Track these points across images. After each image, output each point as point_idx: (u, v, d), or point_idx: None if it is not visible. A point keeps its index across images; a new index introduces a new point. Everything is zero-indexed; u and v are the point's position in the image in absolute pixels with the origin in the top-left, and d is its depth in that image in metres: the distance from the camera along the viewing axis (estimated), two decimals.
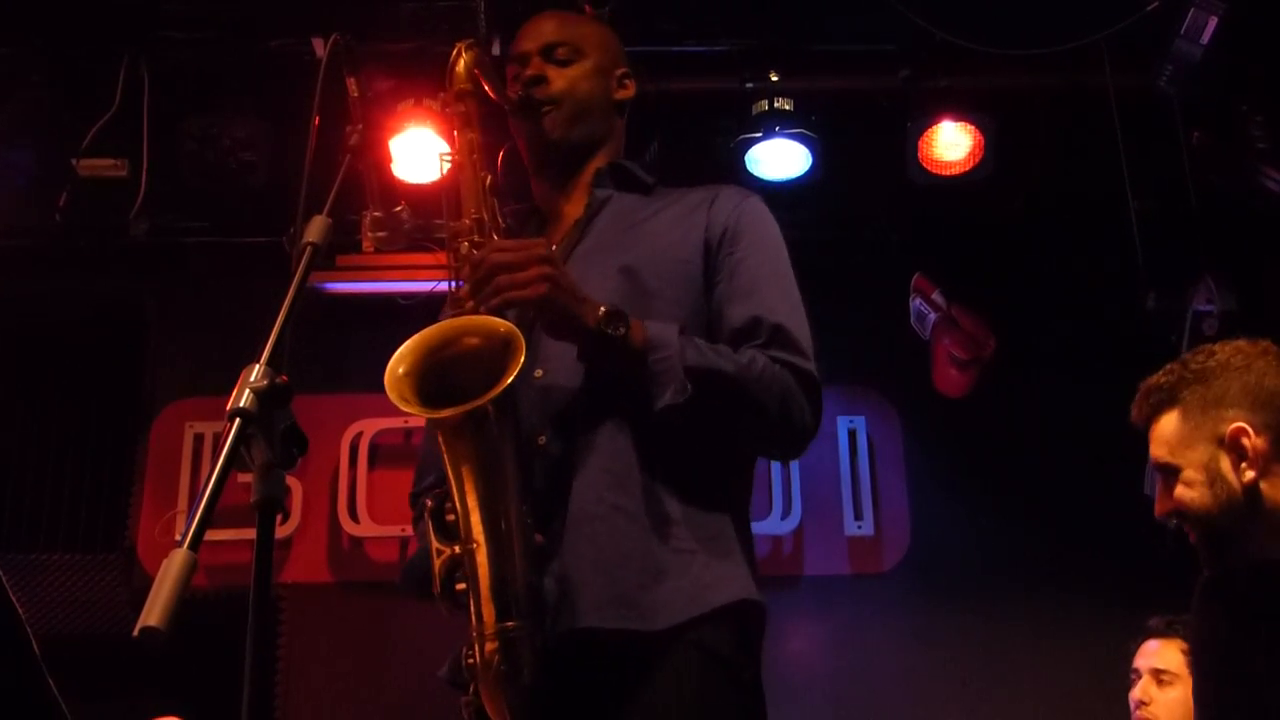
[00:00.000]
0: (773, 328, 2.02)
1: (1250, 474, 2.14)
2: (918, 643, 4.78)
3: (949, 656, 4.73)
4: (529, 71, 2.22)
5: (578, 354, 1.94)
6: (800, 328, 2.06)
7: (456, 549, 1.82)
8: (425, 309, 1.94)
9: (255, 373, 1.48)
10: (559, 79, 2.22)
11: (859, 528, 4.92)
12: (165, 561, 1.31)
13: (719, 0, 4.31)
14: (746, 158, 4.37)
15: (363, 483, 4.86)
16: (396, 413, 4.80)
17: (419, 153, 4.16)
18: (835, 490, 4.96)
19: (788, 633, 4.75)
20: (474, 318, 1.89)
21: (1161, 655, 3.49)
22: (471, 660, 1.81)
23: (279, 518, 1.50)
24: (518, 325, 1.99)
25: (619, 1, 3.80)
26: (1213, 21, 3.76)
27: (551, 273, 1.88)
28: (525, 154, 2.28)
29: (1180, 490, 2.21)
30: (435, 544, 1.84)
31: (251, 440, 1.46)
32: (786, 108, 4.32)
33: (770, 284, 2.08)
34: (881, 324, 4.86)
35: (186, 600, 1.30)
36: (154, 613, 1.27)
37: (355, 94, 2.16)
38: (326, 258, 2.92)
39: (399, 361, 1.85)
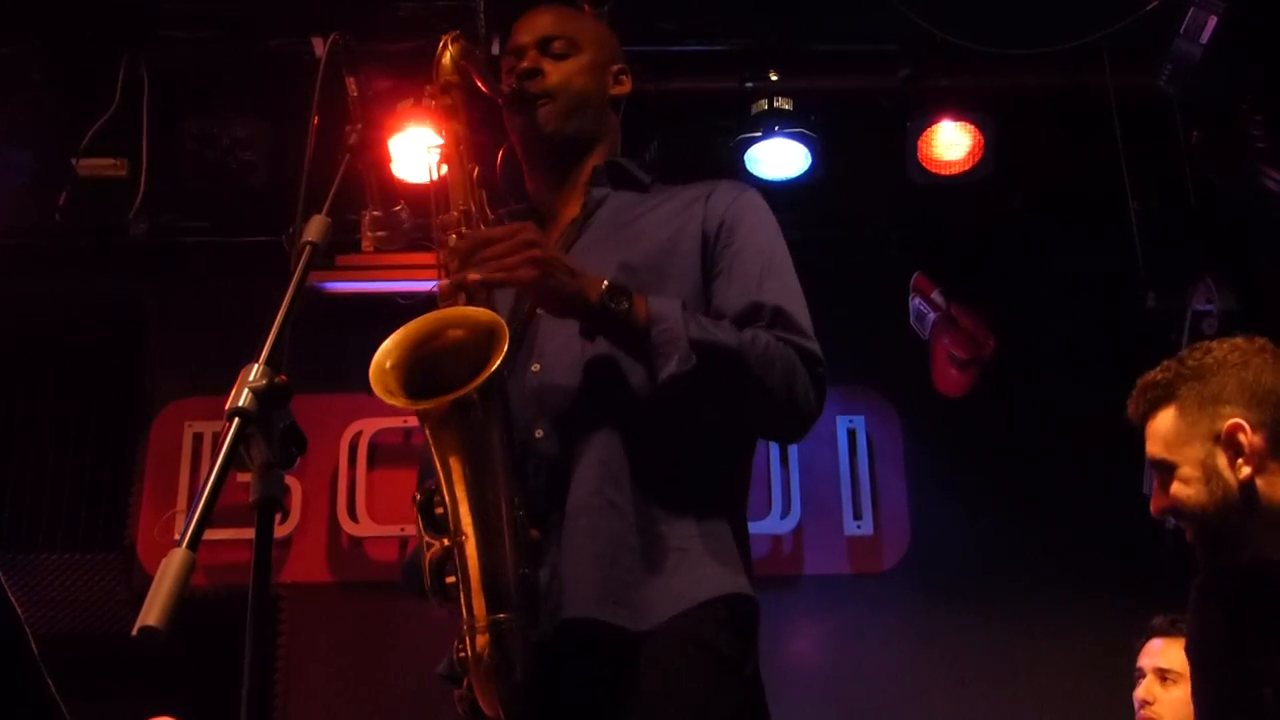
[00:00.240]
0: (773, 310, 2.01)
1: (1246, 470, 2.14)
2: (917, 642, 4.78)
3: (948, 656, 4.73)
4: (524, 64, 2.21)
5: (580, 330, 1.93)
6: (800, 310, 2.05)
7: (446, 542, 1.82)
8: (425, 309, 1.93)
9: (254, 372, 1.48)
10: (554, 72, 2.20)
11: (858, 527, 4.93)
12: (164, 561, 1.31)
13: (718, 0, 4.31)
14: (746, 157, 4.37)
15: (362, 482, 4.86)
16: (396, 412, 4.83)
17: (418, 152, 4.16)
18: (835, 490, 4.96)
19: (787, 632, 4.75)
20: (457, 310, 1.88)
21: (1166, 654, 3.48)
22: (463, 653, 1.81)
23: (278, 517, 1.50)
24: (515, 317, 1.98)
25: (618, 1, 3.79)
26: (1212, 21, 3.76)
27: (539, 255, 1.87)
28: (519, 148, 2.27)
29: (1176, 487, 2.20)
30: (425, 537, 1.84)
31: (250, 440, 1.46)
32: (786, 107, 4.32)
33: (769, 272, 2.07)
34: (881, 323, 4.85)
35: (185, 600, 1.30)
36: (153, 612, 1.26)
37: (354, 93, 2.17)
38: (326, 257, 2.92)
39: (384, 355, 1.84)
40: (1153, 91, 4.05)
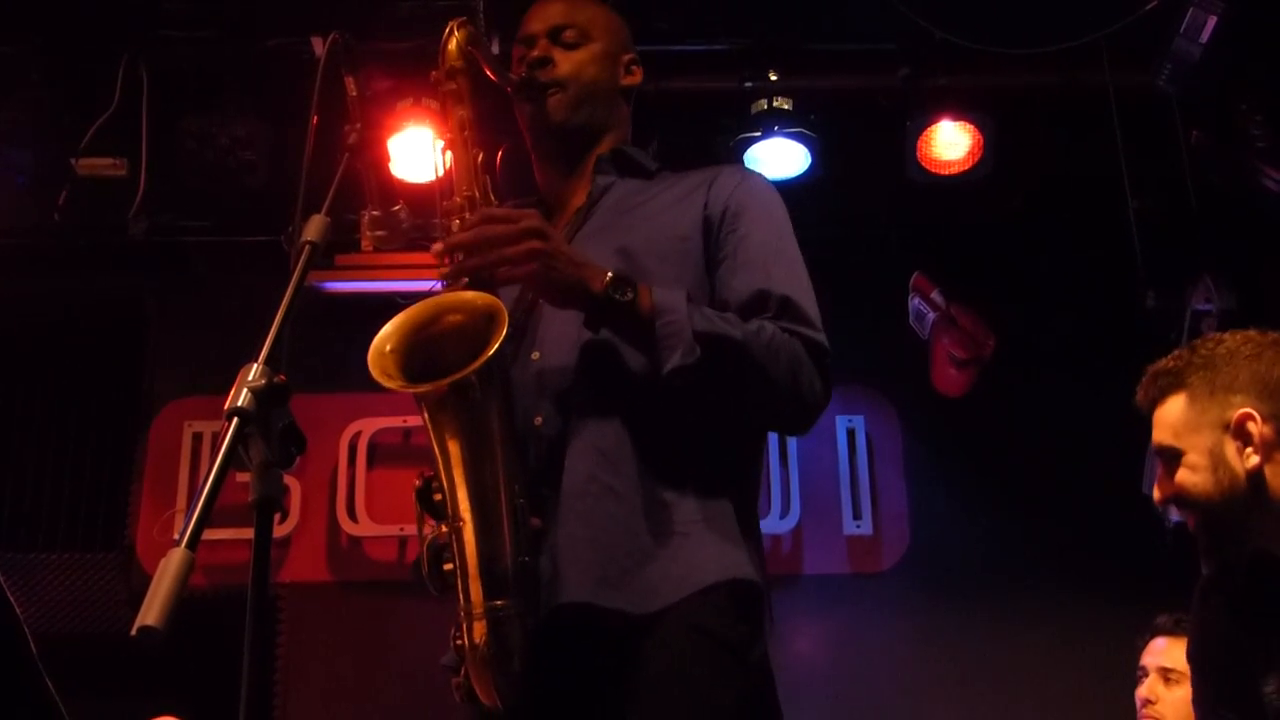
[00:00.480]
0: (780, 300, 1.98)
1: (1255, 459, 2.12)
2: (916, 642, 4.78)
3: (948, 656, 4.73)
4: (534, 53, 2.19)
5: (584, 321, 1.92)
6: (808, 299, 2.02)
7: (443, 528, 1.81)
8: None
9: (253, 372, 1.48)
10: (565, 62, 2.19)
11: (858, 527, 4.93)
12: (163, 560, 1.31)
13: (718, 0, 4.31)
14: (745, 157, 4.37)
15: (361, 482, 4.86)
16: (395, 412, 4.86)
17: (418, 152, 4.15)
18: (834, 489, 4.96)
19: (786, 632, 4.74)
20: (455, 294, 1.88)
21: (1169, 654, 3.46)
22: (460, 641, 1.80)
23: (277, 517, 1.50)
24: (518, 305, 1.97)
25: (618, 0, 3.79)
26: (1212, 20, 3.76)
27: (541, 247, 1.86)
28: (528, 138, 2.25)
29: (1182, 474, 2.19)
30: (424, 525, 1.83)
31: (249, 439, 1.46)
32: (785, 107, 4.32)
33: (775, 258, 2.04)
34: (880, 323, 4.85)
35: (184, 599, 1.29)
36: (152, 612, 1.26)
37: (354, 93, 2.16)
38: (325, 257, 2.92)
39: (384, 340, 1.84)
40: (1152, 91, 4.05)
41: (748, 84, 4.34)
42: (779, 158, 4.40)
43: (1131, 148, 4.21)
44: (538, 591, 1.83)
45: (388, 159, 4.17)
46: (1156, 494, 2.26)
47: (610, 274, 1.87)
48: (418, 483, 1.85)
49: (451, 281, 1.92)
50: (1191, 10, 3.80)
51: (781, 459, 4.94)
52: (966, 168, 4.41)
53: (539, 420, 1.95)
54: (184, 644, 1.53)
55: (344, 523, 4.82)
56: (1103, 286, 4.80)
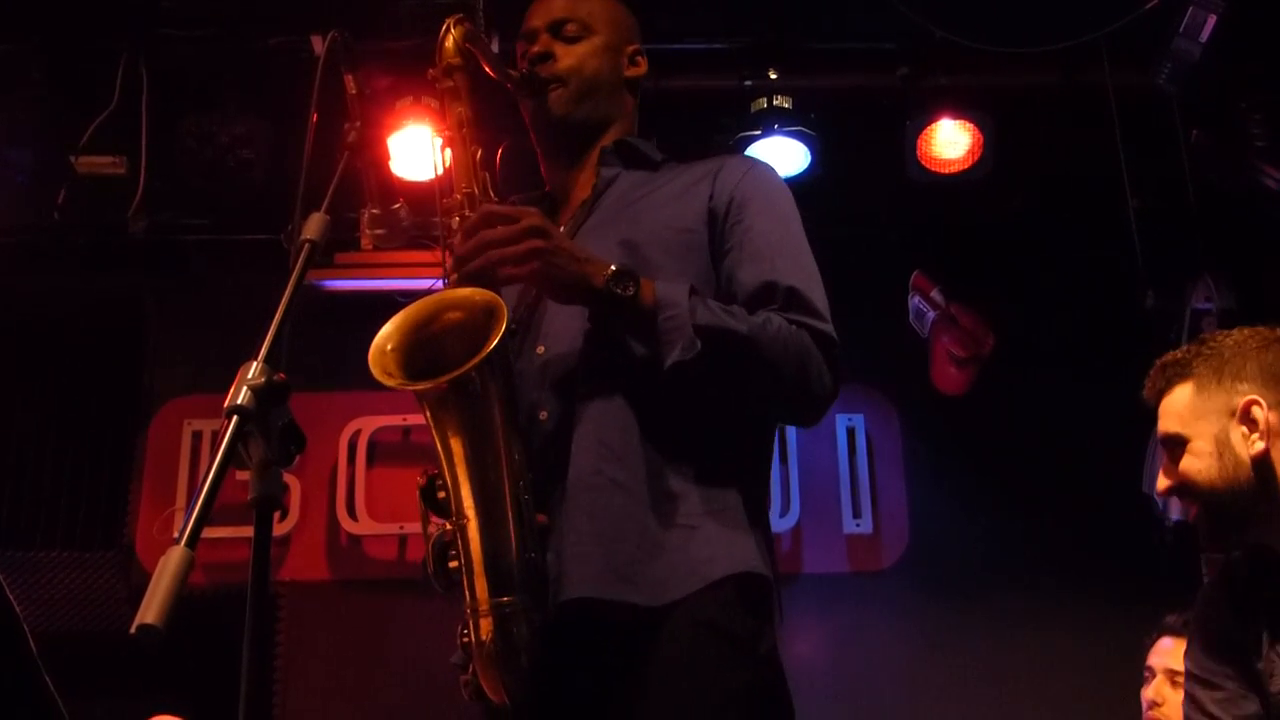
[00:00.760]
0: (787, 291, 1.96)
1: (1260, 445, 2.14)
2: (916, 641, 4.78)
3: (947, 654, 4.73)
4: (536, 48, 2.18)
5: (588, 316, 1.91)
6: (815, 290, 2.00)
7: (448, 525, 1.80)
8: None
9: (253, 370, 1.48)
10: (567, 56, 2.17)
11: (857, 526, 4.93)
12: (163, 559, 1.31)
13: None
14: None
15: (361, 480, 4.86)
16: (395, 410, 4.86)
17: (418, 150, 4.16)
18: (834, 488, 4.96)
19: (786, 631, 4.72)
20: (455, 291, 1.87)
21: (1176, 655, 3.43)
22: (467, 638, 1.79)
23: (277, 515, 1.50)
24: (522, 301, 1.96)
25: None
26: (1211, 20, 3.76)
27: (542, 245, 1.84)
28: (531, 133, 2.24)
29: (1187, 461, 2.20)
30: (429, 523, 1.83)
31: (249, 438, 1.46)
32: (785, 105, 4.32)
33: (782, 249, 2.02)
34: (880, 322, 4.85)
35: (184, 598, 1.29)
36: (151, 610, 1.26)
37: (353, 91, 2.16)
38: (325, 255, 2.92)
39: (384, 339, 1.83)
40: (1152, 90, 4.05)
41: (747, 82, 4.34)
42: (779, 156, 4.40)
43: (1131, 147, 4.21)
44: (545, 587, 1.82)
45: (387, 157, 4.17)
46: (1160, 484, 2.27)
47: (612, 268, 1.86)
48: (421, 480, 1.85)
49: (456, 287, 1.91)
50: (1191, 9, 3.80)
51: (781, 458, 4.93)
52: (966, 167, 4.41)
53: (544, 414, 1.95)
54: (183, 642, 1.53)
55: (344, 521, 4.82)
56: (1103, 286, 4.80)
